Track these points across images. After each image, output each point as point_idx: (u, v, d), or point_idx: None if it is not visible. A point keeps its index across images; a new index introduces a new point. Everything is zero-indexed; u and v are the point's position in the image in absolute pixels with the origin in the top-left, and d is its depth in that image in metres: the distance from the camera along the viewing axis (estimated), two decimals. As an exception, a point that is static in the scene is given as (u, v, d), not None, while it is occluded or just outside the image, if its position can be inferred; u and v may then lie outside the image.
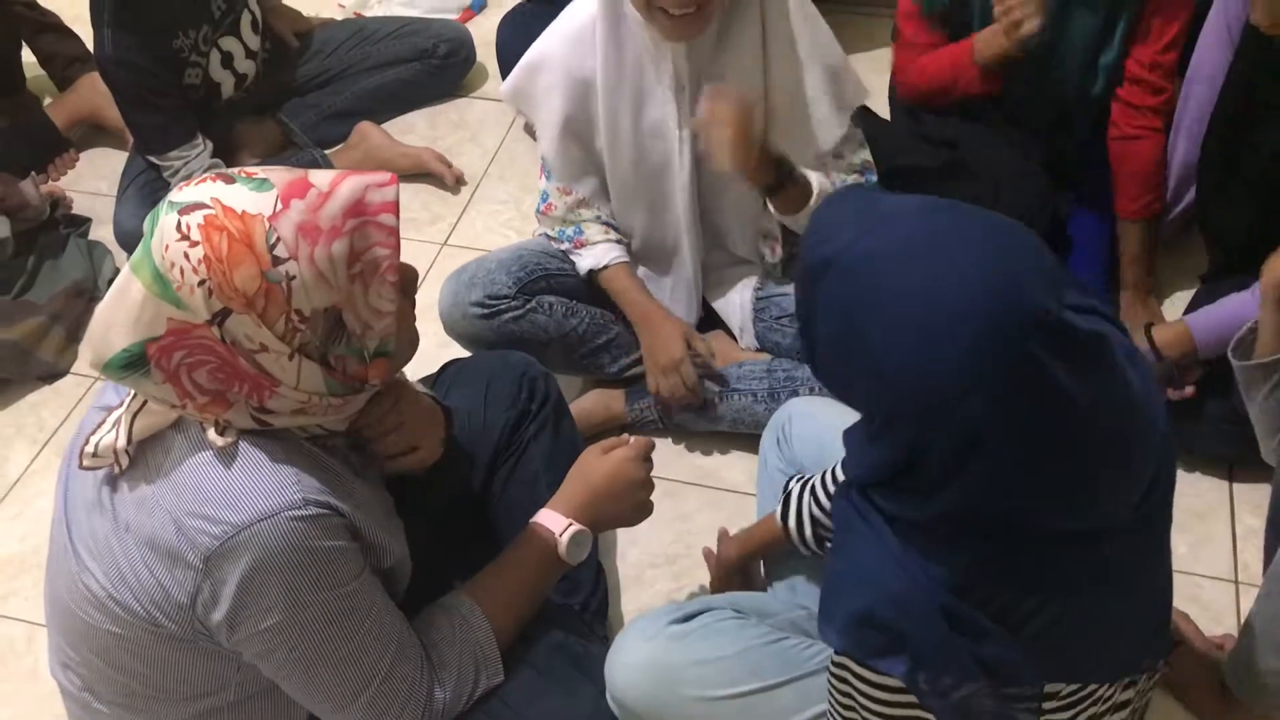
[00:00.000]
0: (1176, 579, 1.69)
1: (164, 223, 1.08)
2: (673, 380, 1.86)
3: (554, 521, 1.41)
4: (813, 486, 1.43)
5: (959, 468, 0.95)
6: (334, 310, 1.11)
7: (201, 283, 1.05)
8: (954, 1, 2.00)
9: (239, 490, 1.14)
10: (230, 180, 1.09)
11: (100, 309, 1.11)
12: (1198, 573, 1.76)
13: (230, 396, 1.12)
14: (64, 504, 1.26)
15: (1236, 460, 1.84)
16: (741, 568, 1.66)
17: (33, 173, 2.40)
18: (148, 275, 1.07)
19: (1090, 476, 0.98)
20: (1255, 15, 1.61)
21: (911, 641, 1.01)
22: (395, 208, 1.12)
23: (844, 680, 1.11)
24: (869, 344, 0.93)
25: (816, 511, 1.40)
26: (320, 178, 1.10)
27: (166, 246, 1.06)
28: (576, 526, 1.41)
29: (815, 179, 1.79)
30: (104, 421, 1.19)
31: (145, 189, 2.34)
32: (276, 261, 1.06)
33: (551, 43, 1.78)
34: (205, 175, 1.12)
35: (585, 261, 1.88)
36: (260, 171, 1.11)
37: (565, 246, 1.91)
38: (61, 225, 2.37)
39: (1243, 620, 1.49)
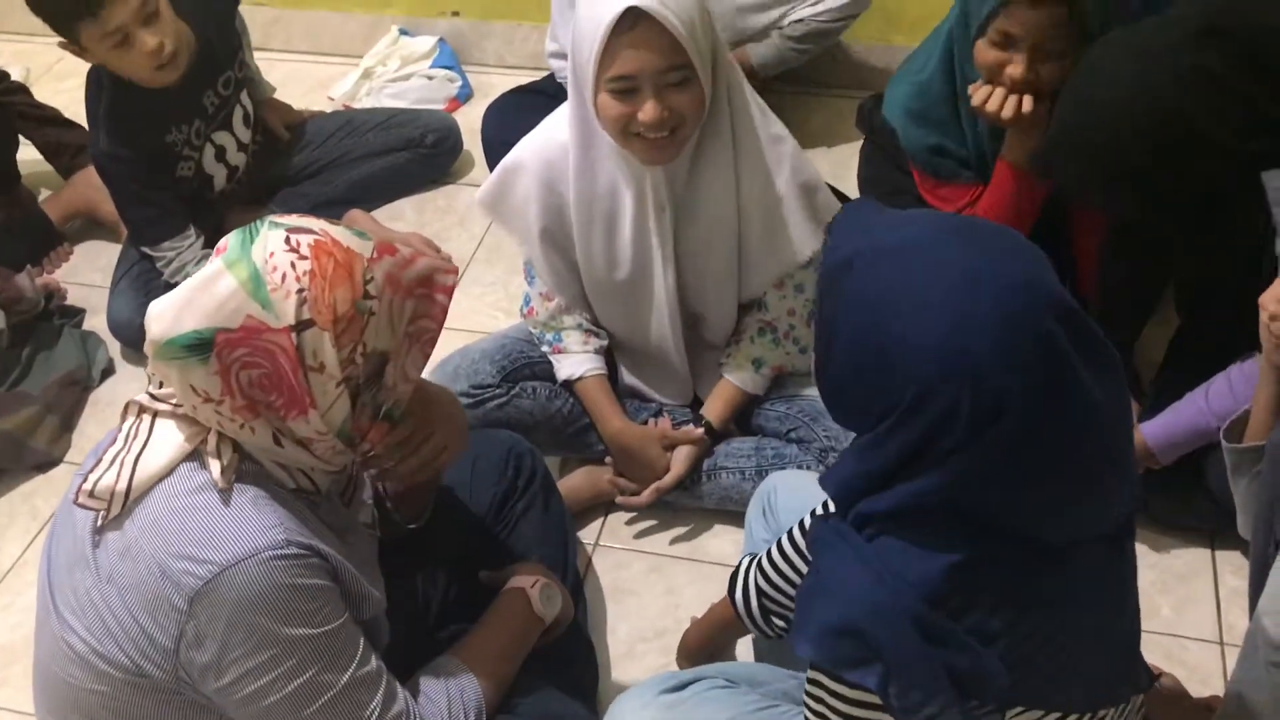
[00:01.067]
0: (1162, 641, 1.74)
1: (269, 235, 1.16)
2: (652, 496, 1.91)
3: (523, 580, 1.51)
4: (759, 561, 1.44)
5: (975, 439, 0.97)
6: (384, 358, 1.20)
7: (300, 291, 1.13)
8: (952, 152, 1.98)
9: (223, 531, 1.17)
10: (334, 222, 1.21)
11: (173, 295, 1.17)
12: (1183, 634, 1.77)
13: (260, 408, 1.17)
14: (47, 569, 1.28)
15: (1217, 531, 1.85)
16: (705, 650, 1.67)
17: (28, 266, 2.44)
18: (244, 273, 1.14)
19: (1089, 477, 1.02)
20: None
21: (884, 652, 1.03)
22: (451, 292, 1.23)
23: (818, 698, 1.12)
24: (901, 326, 0.98)
25: (763, 584, 1.41)
26: (403, 248, 1.23)
27: (272, 253, 1.14)
28: (543, 581, 1.51)
29: (738, 380, 1.90)
30: (100, 461, 1.22)
31: (138, 280, 2.38)
32: (367, 296, 1.16)
33: (527, 155, 1.81)
34: (305, 215, 1.21)
35: (562, 371, 1.93)
36: (355, 227, 1.22)
37: (545, 350, 1.95)
38: (56, 316, 2.40)
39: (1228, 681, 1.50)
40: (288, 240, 1.15)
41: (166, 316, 1.15)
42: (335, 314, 1.14)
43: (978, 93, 1.83)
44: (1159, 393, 1.84)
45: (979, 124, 1.93)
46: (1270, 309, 1.34)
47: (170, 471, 1.21)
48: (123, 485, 1.20)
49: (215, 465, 1.19)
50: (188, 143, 2.33)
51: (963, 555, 1.02)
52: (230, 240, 1.17)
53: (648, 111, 1.59)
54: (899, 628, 1.02)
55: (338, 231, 1.18)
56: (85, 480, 1.21)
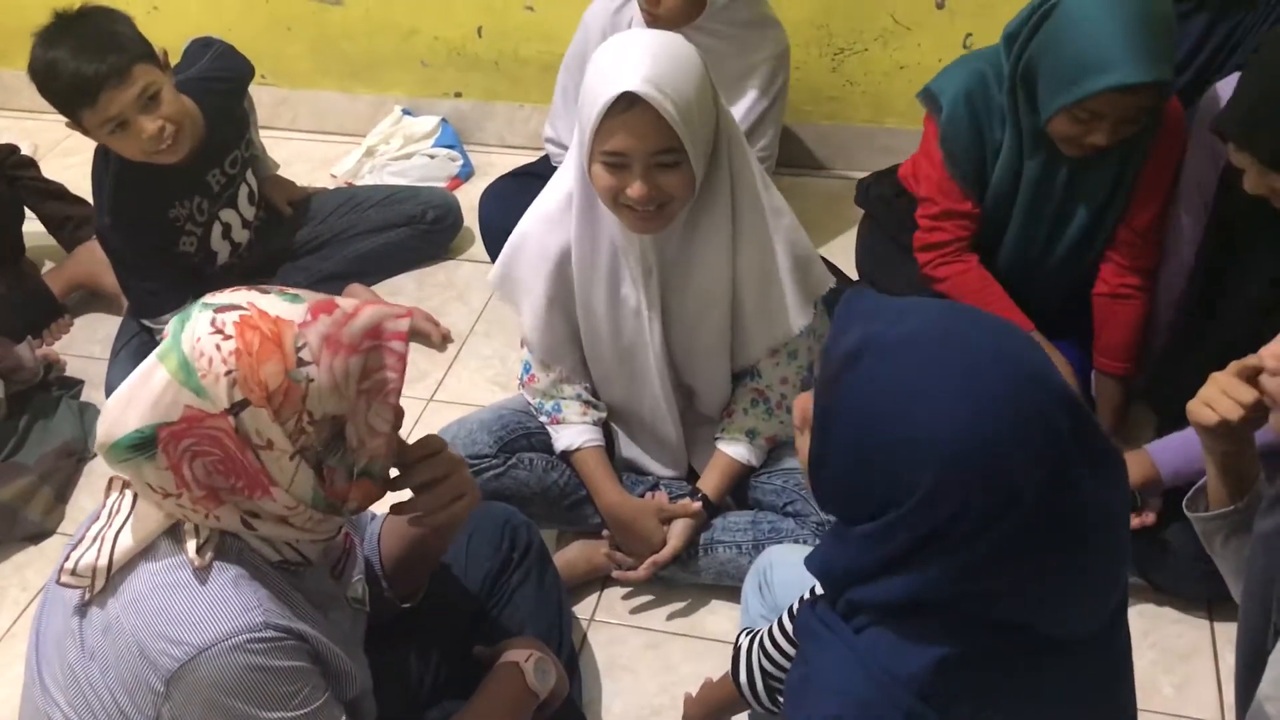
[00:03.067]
0: (1163, 721, 1.72)
1: (197, 318, 1.14)
2: (649, 570, 1.91)
3: (517, 655, 1.49)
4: (761, 640, 1.42)
5: (983, 533, 0.95)
6: (339, 420, 1.17)
7: (228, 373, 1.11)
8: (971, 167, 1.98)
9: (202, 613, 1.16)
10: (266, 291, 1.17)
11: (117, 394, 1.15)
12: (1184, 714, 1.75)
13: (223, 494, 1.15)
14: (36, 640, 1.27)
15: (1214, 598, 1.85)
16: None
17: (29, 337, 2.46)
18: (174, 363, 1.12)
19: (1085, 570, 1.00)
20: (1247, 183, 1.64)
21: None
22: (407, 338, 1.20)
23: None
24: (911, 423, 0.96)
25: (766, 664, 1.40)
26: (345, 302, 1.19)
27: (199, 338, 1.12)
28: (537, 655, 1.49)
29: (733, 452, 1.91)
30: (84, 538, 1.22)
31: (138, 352, 2.39)
32: (300, 363, 1.13)
33: (530, 226, 1.85)
34: (239, 287, 1.19)
35: (560, 441, 1.93)
36: (291, 289, 1.19)
37: (544, 420, 1.95)
38: (54, 388, 2.41)
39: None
40: (213, 322, 1.13)
41: (110, 417, 1.15)
42: (268, 390, 1.11)
43: None
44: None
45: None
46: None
47: (151, 547, 1.20)
48: (103, 562, 1.19)
49: (191, 544, 1.18)
50: (190, 218, 2.36)
51: (952, 650, 1.01)
52: (170, 327, 1.16)
53: (635, 189, 1.62)
54: None
55: (267, 301, 1.15)
56: (68, 559, 1.20)
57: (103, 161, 2.29)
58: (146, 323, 2.38)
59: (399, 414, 1.24)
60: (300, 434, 1.15)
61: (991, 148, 1.98)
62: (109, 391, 2.38)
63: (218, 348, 1.11)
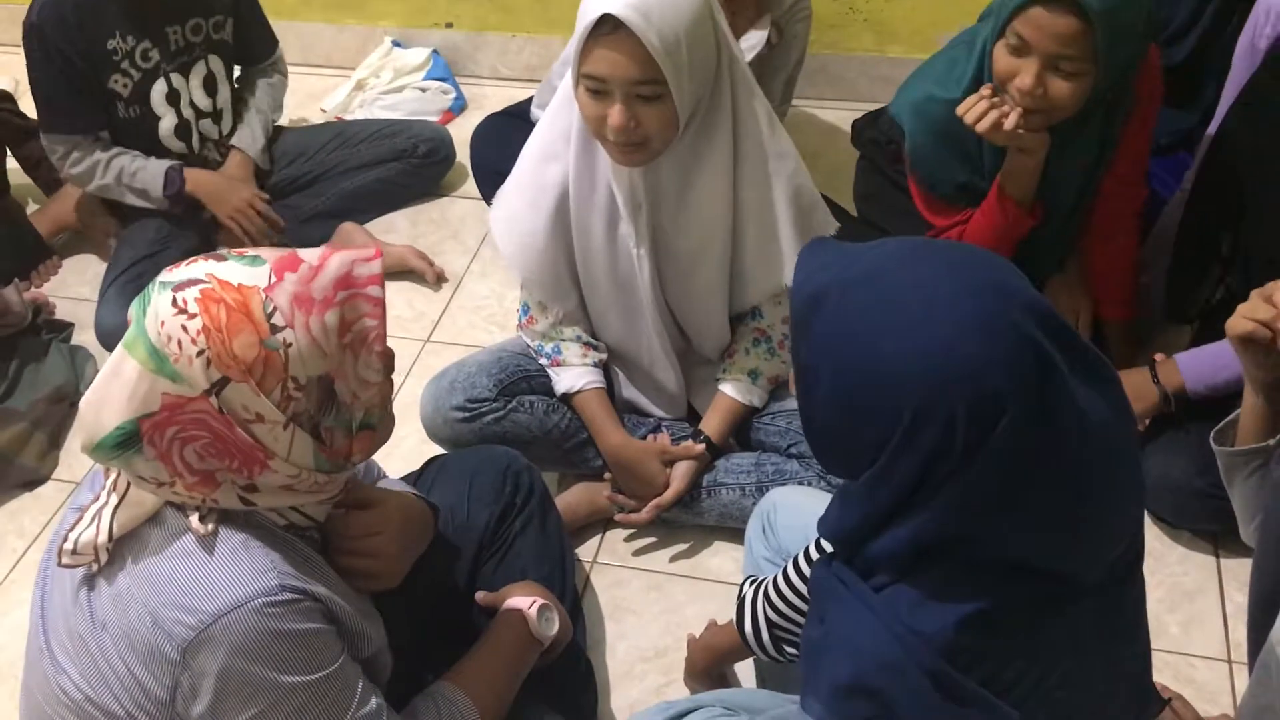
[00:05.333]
0: (1169, 660, 1.72)
1: (157, 301, 1.09)
2: (652, 513, 1.89)
3: (520, 601, 1.48)
4: (765, 590, 1.40)
5: (976, 452, 0.93)
6: (327, 379, 1.13)
7: (200, 353, 1.07)
8: (958, 185, 1.95)
9: (215, 579, 1.14)
10: (222, 259, 1.12)
11: (90, 393, 1.12)
12: (1190, 653, 1.75)
13: (219, 476, 1.12)
14: (40, 607, 1.25)
15: (1221, 534, 1.85)
16: (715, 672, 1.64)
17: (15, 279, 2.41)
18: (143, 352, 1.08)
19: (1090, 494, 0.98)
20: None
21: (900, 710, 0.99)
22: (381, 280, 1.15)
23: None
24: (887, 349, 0.95)
25: (772, 614, 1.38)
26: (309, 254, 1.13)
27: (163, 322, 1.08)
28: (541, 602, 1.48)
29: (734, 392, 1.88)
30: (81, 518, 1.19)
31: (126, 288, 2.35)
32: (274, 330, 1.09)
33: (527, 164, 1.81)
34: (196, 258, 1.14)
35: (560, 384, 1.90)
36: (250, 250, 1.14)
37: (544, 362, 1.92)
38: (44, 331, 2.37)
39: (1238, 701, 1.48)
40: (174, 301, 1.08)
41: (88, 418, 1.11)
42: (245, 363, 1.07)
43: (965, 105, 1.78)
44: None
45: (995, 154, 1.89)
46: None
47: (158, 516, 1.17)
48: (103, 538, 1.16)
49: (194, 515, 1.16)
50: (129, 58, 2.31)
51: (977, 606, 0.98)
52: (131, 312, 1.11)
53: (614, 117, 1.58)
54: (915, 685, 0.98)
55: (227, 269, 1.10)
56: (65, 540, 1.17)
57: None
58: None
59: (389, 358, 1.21)
60: (289, 401, 1.11)
61: (959, 163, 1.93)
62: (100, 329, 2.35)
63: (184, 328, 1.07)
